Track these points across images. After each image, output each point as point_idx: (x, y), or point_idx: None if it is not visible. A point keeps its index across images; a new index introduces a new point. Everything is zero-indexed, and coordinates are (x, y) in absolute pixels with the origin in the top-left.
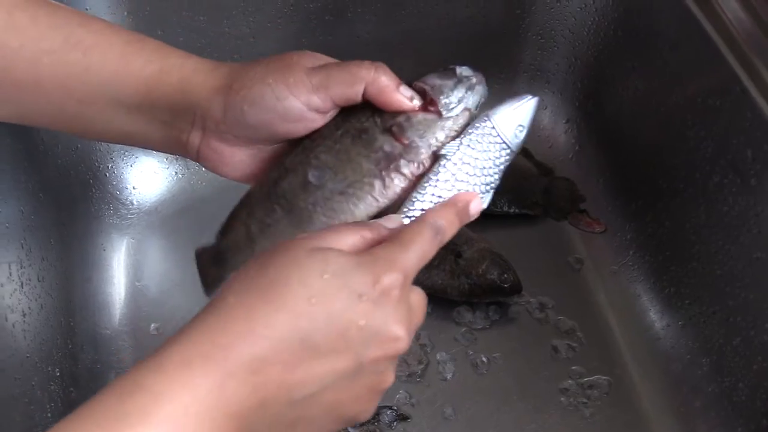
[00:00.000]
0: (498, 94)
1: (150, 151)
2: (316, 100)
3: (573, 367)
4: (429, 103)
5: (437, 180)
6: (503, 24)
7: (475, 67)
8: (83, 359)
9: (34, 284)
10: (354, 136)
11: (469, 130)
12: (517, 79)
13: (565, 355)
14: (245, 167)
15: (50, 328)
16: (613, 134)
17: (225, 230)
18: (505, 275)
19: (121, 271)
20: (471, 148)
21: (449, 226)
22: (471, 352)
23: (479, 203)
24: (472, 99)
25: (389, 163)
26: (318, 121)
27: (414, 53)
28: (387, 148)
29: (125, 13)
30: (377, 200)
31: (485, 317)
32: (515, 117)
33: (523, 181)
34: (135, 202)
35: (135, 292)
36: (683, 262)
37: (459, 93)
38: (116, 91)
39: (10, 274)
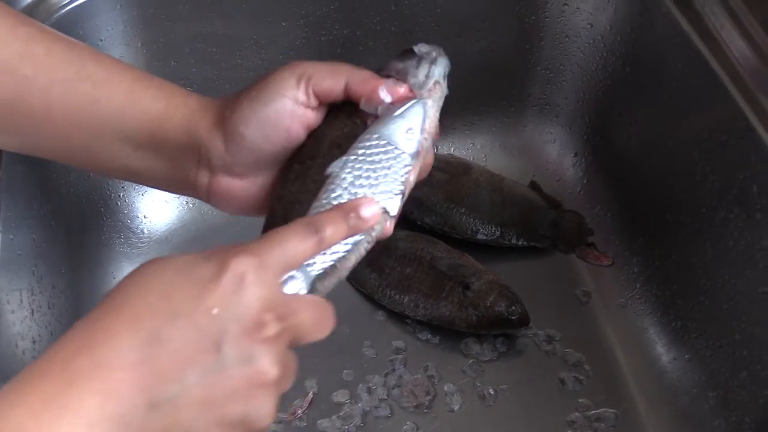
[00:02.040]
0: (508, 127)
1: None
2: (302, 95)
3: (580, 400)
4: None
5: (330, 196)
6: (512, 58)
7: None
8: None
9: (45, 312)
10: (340, 144)
11: (356, 144)
12: (525, 113)
13: (572, 388)
14: (258, 200)
15: None
16: (621, 168)
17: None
18: (513, 307)
19: None
20: (361, 162)
21: (331, 227)
22: (478, 384)
23: (374, 208)
24: (437, 71)
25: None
26: (311, 116)
27: None
28: None
29: (139, 44)
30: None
31: (493, 349)
32: (401, 122)
33: (532, 214)
34: (146, 231)
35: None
36: (690, 296)
37: (424, 70)
38: (123, 127)
39: (21, 302)
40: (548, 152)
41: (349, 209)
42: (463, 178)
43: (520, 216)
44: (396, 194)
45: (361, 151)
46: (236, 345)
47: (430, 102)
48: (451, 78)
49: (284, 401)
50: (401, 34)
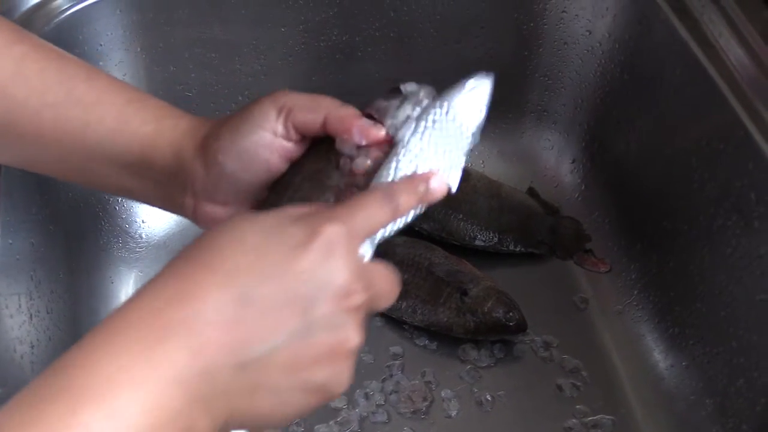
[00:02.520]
0: (506, 134)
1: None
2: (281, 128)
3: (577, 406)
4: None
5: (398, 162)
6: (511, 65)
7: (422, 81)
8: None
9: (43, 316)
10: (312, 178)
11: (429, 117)
12: (523, 119)
13: (570, 394)
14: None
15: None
16: (619, 175)
17: None
18: (511, 313)
19: None
20: (430, 135)
21: (404, 196)
22: (476, 390)
23: (442, 181)
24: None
25: (343, 196)
26: (291, 148)
27: None
28: (340, 184)
29: (138, 49)
30: None
31: (490, 355)
32: (473, 100)
33: (529, 221)
34: (144, 236)
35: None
36: (687, 302)
37: (406, 111)
38: (113, 150)
39: (20, 306)
40: (546, 159)
41: (420, 179)
42: (461, 184)
43: (518, 222)
44: (458, 170)
45: (433, 118)
46: (324, 311)
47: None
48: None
49: None
50: (400, 40)
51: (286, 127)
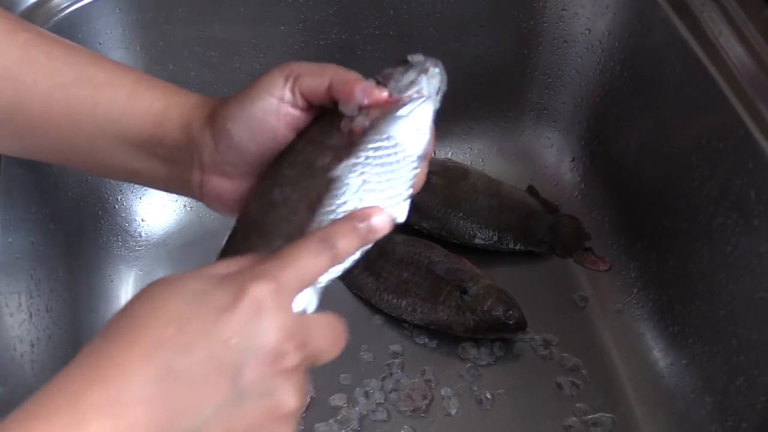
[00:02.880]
0: (505, 132)
1: None
2: (288, 93)
3: (577, 405)
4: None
5: (336, 203)
6: (510, 63)
7: (433, 56)
8: None
9: (43, 315)
10: (313, 141)
11: (363, 146)
12: (523, 118)
13: (569, 393)
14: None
15: (57, 358)
16: (618, 173)
17: (233, 236)
18: (510, 312)
19: None
20: (368, 166)
21: (343, 240)
22: (475, 388)
23: (385, 216)
24: (426, 84)
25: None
26: (298, 116)
27: None
28: (340, 144)
29: (138, 48)
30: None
31: (490, 353)
32: (409, 122)
33: (529, 219)
34: (143, 235)
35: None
36: (687, 301)
37: (410, 76)
38: (123, 128)
39: (20, 305)
40: (546, 157)
41: (360, 219)
42: (461, 183)
43: (518, 220)
44: (404, 200)
45: (370, 153)
46: (255, 377)
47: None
48: (449, 84)
49: None
50: (400, 39)
51: (293, 92)
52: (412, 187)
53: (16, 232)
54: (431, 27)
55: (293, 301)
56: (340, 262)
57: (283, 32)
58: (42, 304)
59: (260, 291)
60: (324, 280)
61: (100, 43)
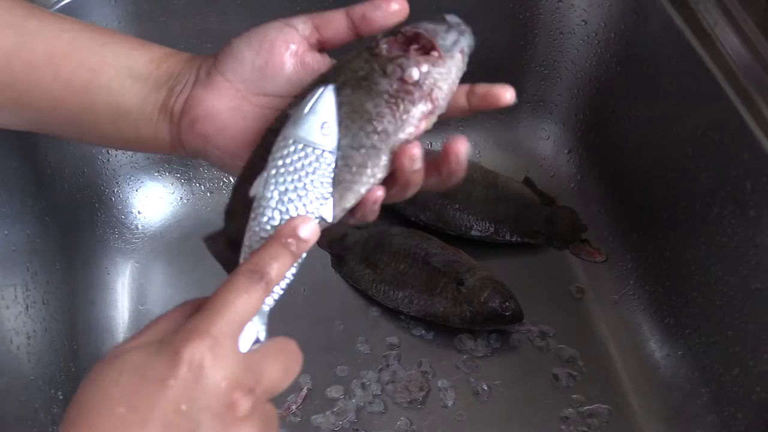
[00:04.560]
0: (501, 124)
1: (156, 176)
2: (304, 26)
3: (573, 396)
4: (425, 46)
5: (261, 221)
6: (506, 55)
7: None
8: None
9: (39, 307)
10: (354, 86)
11: (273, 155)
12: (519, 109)
13: (566, 384)
14: (233, 132)
15: (54, 351)
16: (615, 165)
17: (230, 212)
18: (507, 303)
19: (125, 295)
20: (282, 175)
21: (275, 264)
22: (472, 380)
23: (311, 225)
24: (464, 42)
25: (399, 104)
26: (310, 59)
27: None
28: (394, 88)
29: None
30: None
31: (486, 345)
32: (313, 118)
33: (525, 210)
34: (140, 227)
35: (138, 316)
36: (683, 292)
37: (452, 36)
38: (130, 63)
39: (16, 297)
40: (542, 149)
41: (286, 235)
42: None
43: (514, 212)
44: (326, 198)
45: (279, 162)
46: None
47: (449, 63)
48: None
49: (278, 397)
50: None
51: (313, 26)
52: (334, 182)
53: (12, 225)
54: (427, 19)
55: (236, 344)
56: (275, 287)
57: None
58: (38, 297)
59: (196, 351)
60: (267, 304)
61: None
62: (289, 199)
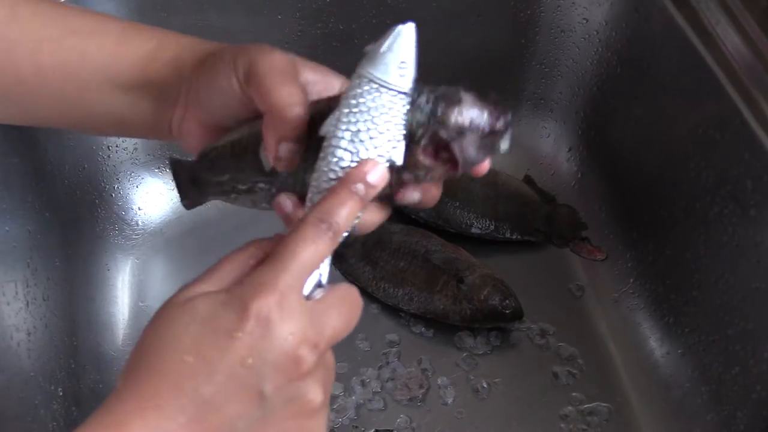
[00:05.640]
0: None
1: (156, 172)
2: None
3: (573, 394)
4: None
5: (331, 161)
6: (507, 53)
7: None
8: (86, 379)
9: (39, 303)
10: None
11: (347, 93)
12: (520, 107)
13: (566, 382)
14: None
15: (54, 347)
16: (615, 163)
17: (209, 155)
18: (507, 301)
19: (125, 292)
20: (355, 114)
21: (342, 210)
22: (472, 377)
23: (381, 170)
24: (494, 151)
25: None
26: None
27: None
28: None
29: None
30: None
31: (486, 343)
32: (390, 56)
33: (526, 208)
34: (140, 223)
35: (138, 313)
36: (683, 290)
37: (484, 149)
38: (113, 72)
39: (17, 293)
40: (542, 147)
41: (355, 180)
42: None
43: (514, 210)
44: (399, 141)
45: (353, 101)
46: (278, 388)
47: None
48: (446, 72)
49: None
50: None
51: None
52: (407, 125)
53: (12, 221)
54: (428, 16)
55: (302, 295)
56: (344, 234)
57: (280, 21)
58: (39, 293)
59: (263, 306)
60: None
61: None
62: (361, 139)
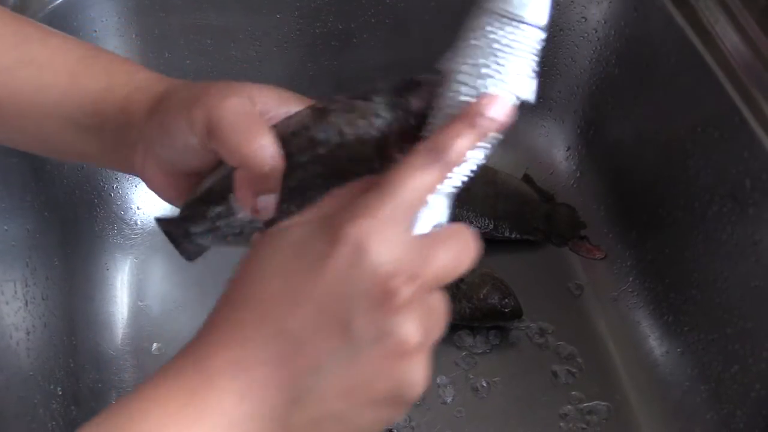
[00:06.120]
0: None
1: None
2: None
3: (572, 393)
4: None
5: (449, 96)
6: None
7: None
8: (85, 378)
9: (38, 303)
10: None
11: (467, 31)
12: (519, 106)
13: (565, 381)
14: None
15: (53, 346)
16: (614, 162)
17: (191, 206)
18: (506, 300)
19: (124, 291)
20: (481, 48)
21: (454, 143)
22: (471, 376)
23: (504, 104)
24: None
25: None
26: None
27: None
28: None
29: (134, 36)
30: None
31: (486, 341)
32: None
33: (525, 207)
34: (139, 223)
35: (137, 312)
36: (682, 289)
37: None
38: (66, 111)
39: (16, 293)
40: (541, 146)
41: (474, 115)
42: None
43: (513, 209)
44: (530, 76)
45: (472, 37)
46: (366, 322)
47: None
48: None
49: None
50: (396, 27)
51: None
52: (537, 59)
53: (11, 220)
54: (427, 15)
55: (406, 227)
56: (458, 169)
57: (279, 20)
58: (38, 292)
59: (357, 231)
60: (452, 185)
61: (95, 31)
62: (487, 74)
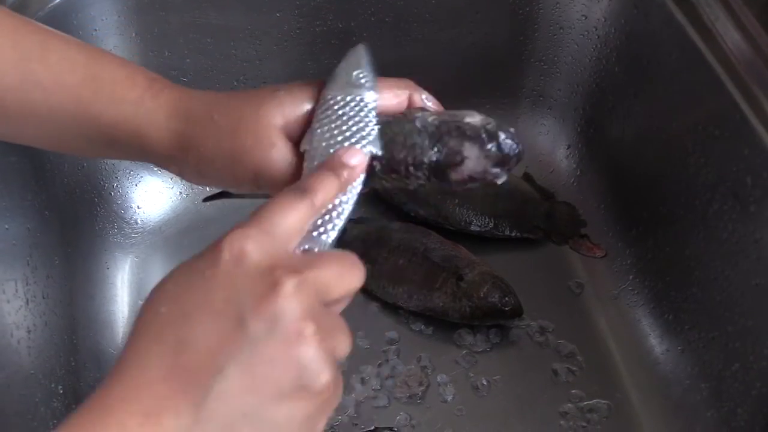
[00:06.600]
0: (501, 119)
1: (155, 170)
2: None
3: (573, 391)
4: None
5: (312, 167)
6: (506, 50)
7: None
8: (86, 377)
9: (39, 301)
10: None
11: (317, 114)
12: (519, 104)
13: (565, 379)
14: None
15: (54, 345)
16: (614, 160)
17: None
18: (506, 298)
19: (125, 290)
20: (327, 125)
21: (319, 184)
22: (471, 375)
23: (358, 155)
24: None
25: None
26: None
27: (418, 78)
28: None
29: (133, 34)
30: None
31: (486, 340)
32: (347, 70)
33: (525, 206)
34: (139, 221)
35: (138, 311)
36: (683, 287)
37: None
38: (80, 132)
39: (16, 291)
40: (542, 144)
41: (335, 164)
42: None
43: (514, 207)
44: (371, 134)
45: (323, 116)
46: (257, 316)
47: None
48: (445, 70)
49: None
50: (396, 26)
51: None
52: (378, 120)
53: (12, 219)
54: (427, 13)
55: (281, 243)
56: (323, 209)
57: (279, 18)
58: (38, 291)
59: (235, 239)
60: (333, 232)
61: (95, 30)
62: (336, 142)
